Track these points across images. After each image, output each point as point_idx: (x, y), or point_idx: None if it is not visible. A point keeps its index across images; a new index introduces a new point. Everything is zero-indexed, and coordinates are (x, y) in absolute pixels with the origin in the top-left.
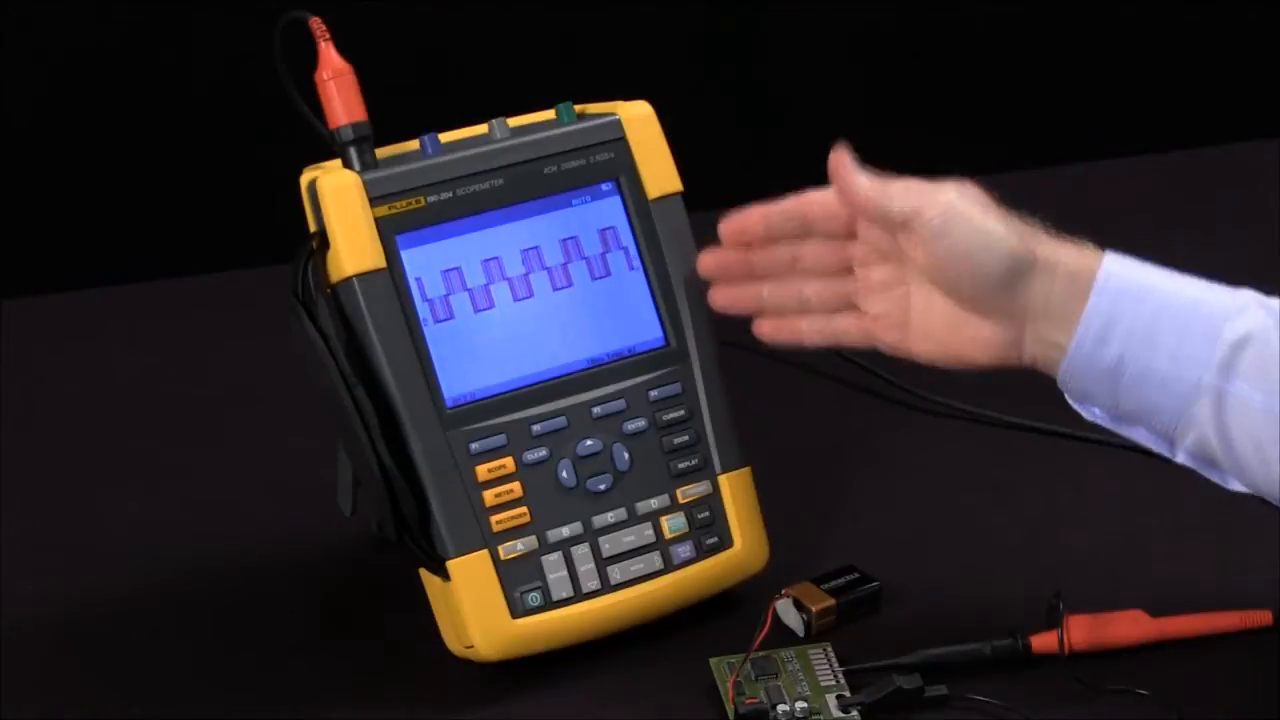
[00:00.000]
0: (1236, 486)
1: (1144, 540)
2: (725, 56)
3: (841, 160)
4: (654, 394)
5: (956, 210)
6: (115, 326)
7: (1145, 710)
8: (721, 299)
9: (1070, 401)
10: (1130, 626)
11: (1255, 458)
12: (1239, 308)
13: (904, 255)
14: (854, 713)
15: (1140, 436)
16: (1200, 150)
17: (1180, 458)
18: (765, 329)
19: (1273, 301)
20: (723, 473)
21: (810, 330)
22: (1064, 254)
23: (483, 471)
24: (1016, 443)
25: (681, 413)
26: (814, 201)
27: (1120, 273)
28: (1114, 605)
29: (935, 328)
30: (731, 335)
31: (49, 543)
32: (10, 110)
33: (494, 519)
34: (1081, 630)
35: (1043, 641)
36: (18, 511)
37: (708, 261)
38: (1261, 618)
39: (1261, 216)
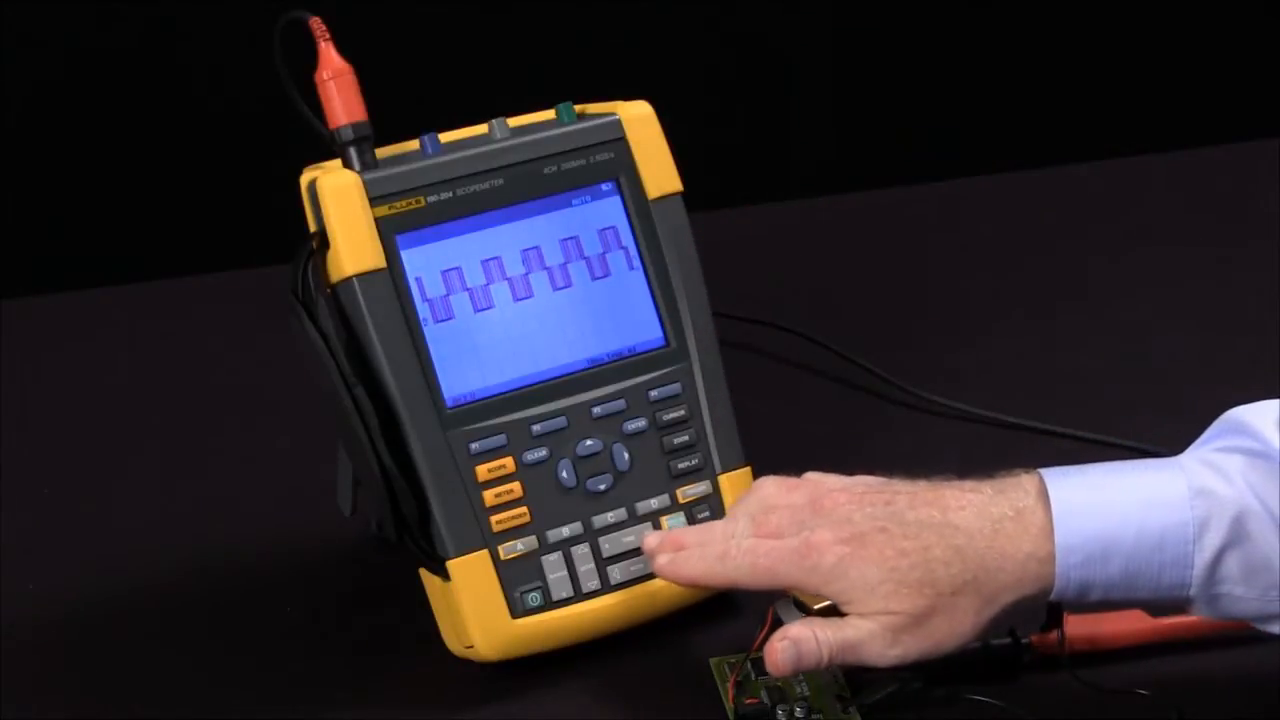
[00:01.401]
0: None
1: None
2: (725, 56)
3: (775, 663)
4: (654, 394)
5: (909, 657)
6: (115, 326)
7: (1145, 710)
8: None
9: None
10: (1130, 626)
11: (1268, 622)
12: (1200, 523)
13: None
14: (854, 713)
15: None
16: (1200, 150)
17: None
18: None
19: (1225, 488)
20: (723, 473)
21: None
22: (1015, 566)
23: (483, 471)
24: (1016, 443)
25: (681, 413)
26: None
27: (1077, 541)
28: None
29: None
30: (731, 335)
31: (49, 543)
32: (10, 110)
33: (494, 519)
34: (1081, 630)
35: (1043, 641)
36: (18, 511)
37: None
38: None
39: (1261, 216)
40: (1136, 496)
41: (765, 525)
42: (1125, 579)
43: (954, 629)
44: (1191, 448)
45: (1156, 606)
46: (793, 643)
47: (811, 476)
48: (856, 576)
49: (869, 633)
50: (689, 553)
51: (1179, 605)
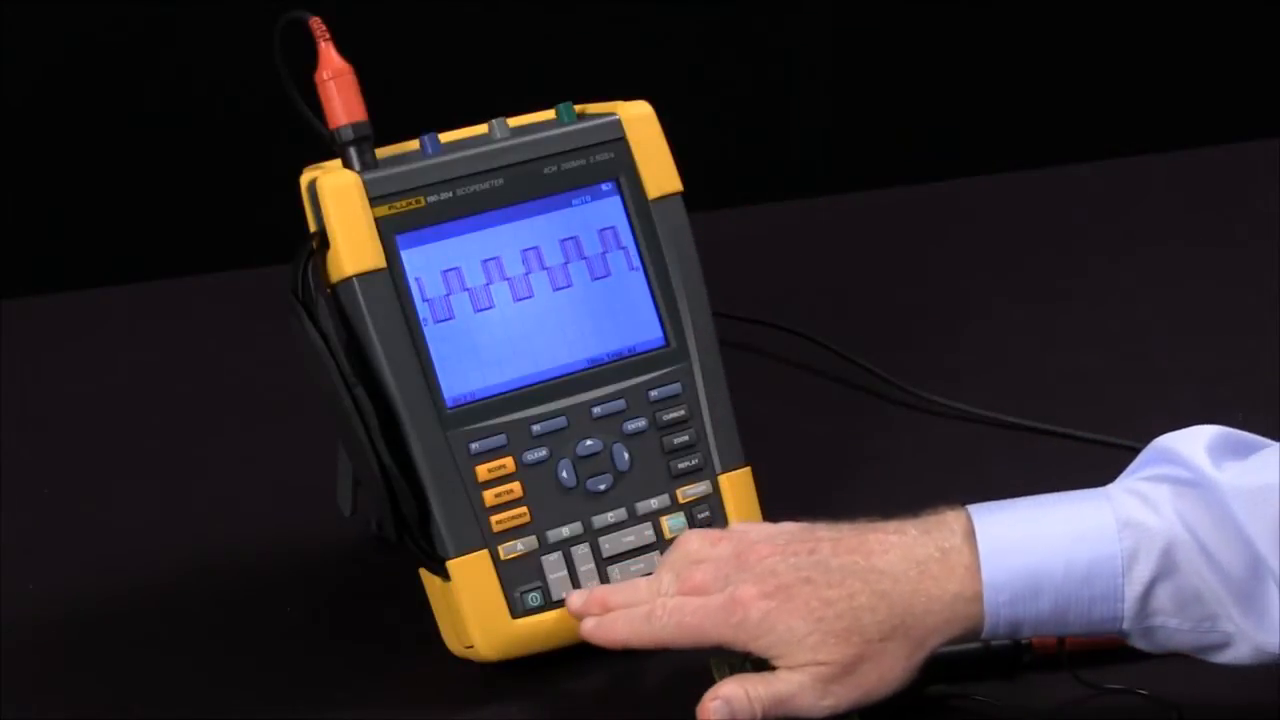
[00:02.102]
0: None
1: None
2: (725, 56)
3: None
4: (654, 394)
5: (842, 706)
6: (115, 326)
7: (1145, 710)
8: None
9: None
10: None
11: (1208, 652)
12: (1129, 555)
13: None
14: (854, 713)
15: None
16: (1200, 150)
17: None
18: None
19: (1150, 518)
20: (723, 473)
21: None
22: (943, 609)
23: (483, 471)
24: (1016, 443)
25: (681, 413)
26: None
27: (1004, 579)
28: None
29: None
30: (731, 335)
31: (49, 543)
32: (10, 110)
33: (494, 519)
34: None
35: (1043, 641)
36: (18, 511)
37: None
38: None
39: (1261, 216)
40: (1064, 530)
41: (690, 580)
42: (1055, 614)
43: (884, 675)
44: (1120, 477)
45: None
46: (725, 702)
47: (737, 528)
48: (784, 630)
49: (799, 685)
50: (615, 615)
51: (1117, 638)
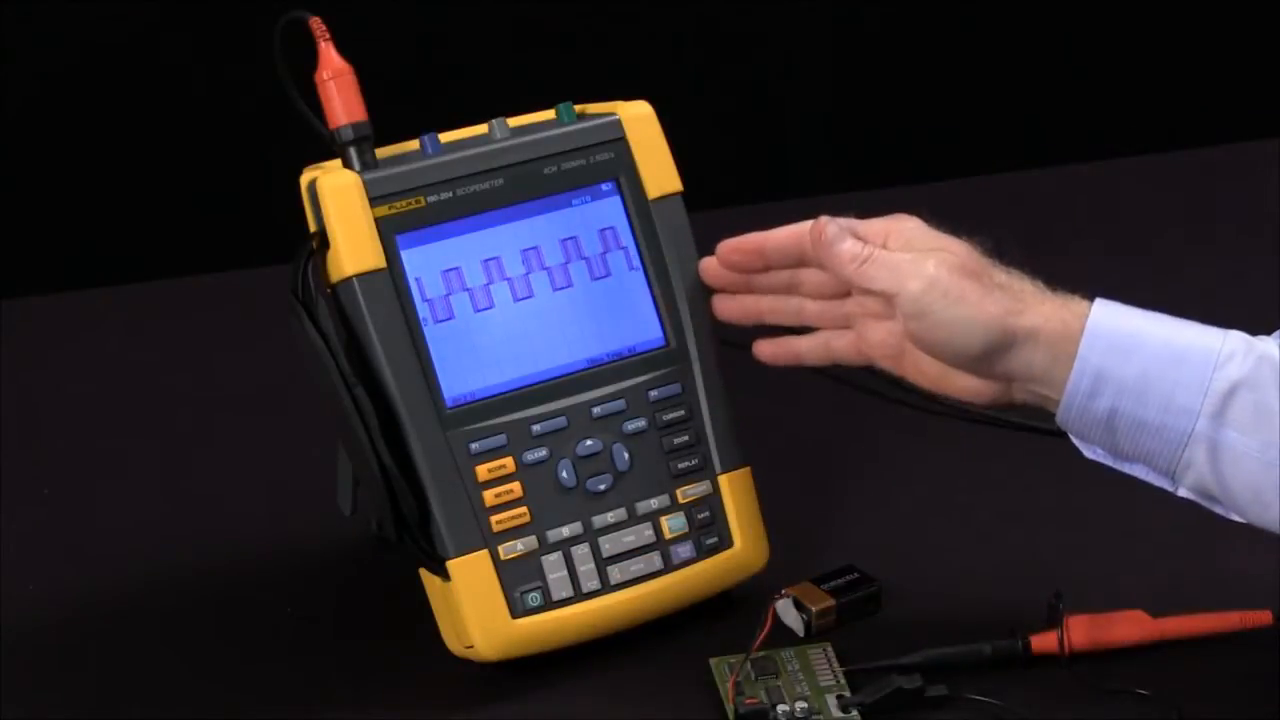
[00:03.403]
0: (1238, 518)
1: (1144, 540)
2: (725, 56)
3: (821, 234)
4: (654, 394)
5: (933, 292)
6: (115, 326)
7: (1145, 710)
8: (723, 309)
9: (1072, 439)
10: (1130, 626)
11: (1252, 501)
12: (1227, 354)
13: None
14: (854, 713)
15: (1141, 474)
16: (1200, 150)
17: (1182, 493)
18: (765, 351)
19: (1261, 344)
20: (723, 473)
21: (809, 350)
22: (1046, 321)
23: (483, 471)
24: (1016, 443)
25: (681, 413)
26: (808, 235)
27: (1107, 328)
28: (1114, 605)
29: (927, 369)
30: (731, 335)
31: (49, 543)
32: (10, 110)
33: (494, 519)
34: (1081, 630)
35: (1043, 641)
36: (18, 511)
37: (710, 271)
38: (1261, 618)
39: (1261, 216)
40: (1175, 324)
41: None
42: (1139, 384)
43: (981, 304)
44: None
45: (1155, 463)
46: (845, 230)
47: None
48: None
49: (913, 258)
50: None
51: (1171, 466)
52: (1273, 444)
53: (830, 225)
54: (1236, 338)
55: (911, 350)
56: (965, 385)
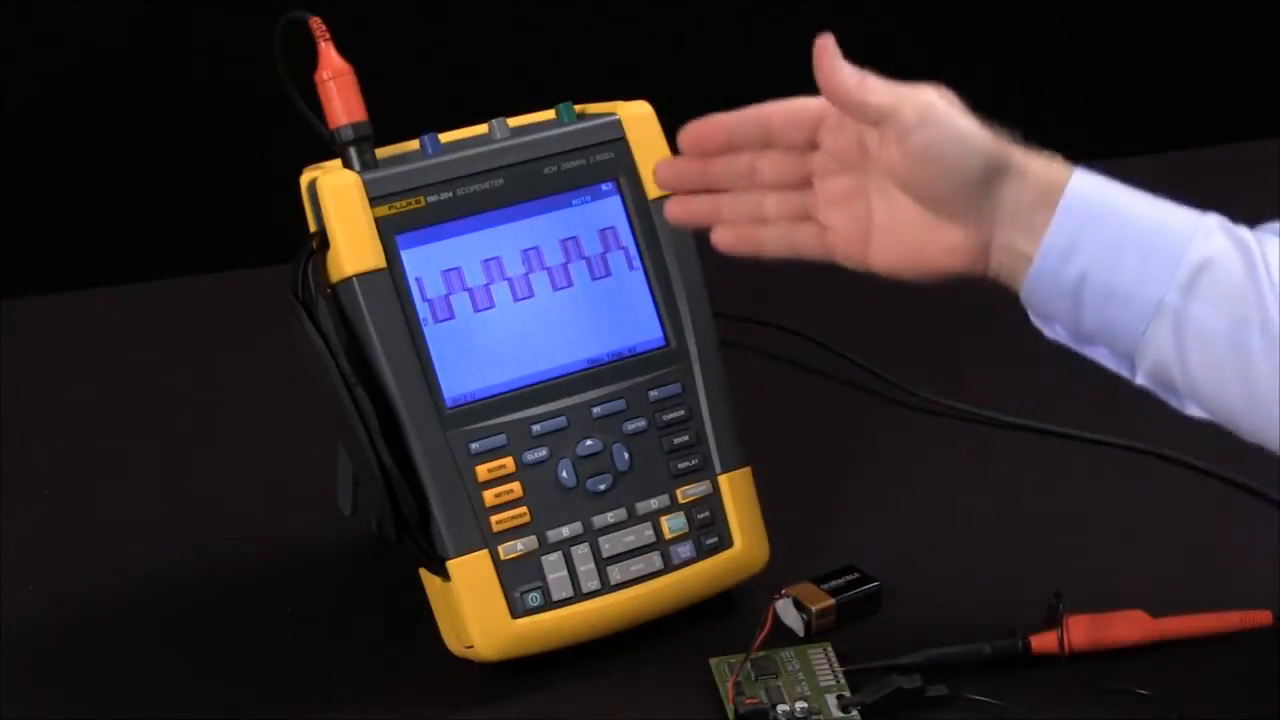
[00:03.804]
0: (1194, 411)
1: (1144, 540)
2: (725, 56)
3: (826, 48)
4: (654, 394)
5: (936, 107)
6: (115, 326)
7: (1145, 710)
8: (679, 211)
9: (1033, 319)
10: (1130, 626)
11: (1211, 382)
12: (1204, 231)
13: (868, 164)
14: (854, 713)
15: (1101, 357)
16: (1200, 150)
17: (1140, 379)
18: (725, 238)
19: (1238, 229)
20: (723, 473)
21: (770, 241)
22: (1035, 163)
23: (483, 471)
24: (1016, 443)
25: (681, 413)
26: (775, 111)
27: (1087, 191)
28: (1114, 605)
29: (899, 236)
30: (731, 335)
31: (49, 543)
32: (10, 110)
33: (494, 519)
34: (1081, 630)
35: (1043, 641)
36: (18, 511)
37: (665, 172)
38: (1261, 618)
39: (1261, 217)
40: (1155, 199)
41: None
42: (1113, 249)
43: (981, 128)
44: None
45: (1117, 341)
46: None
47: None
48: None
49: (910, 86)
50: None
51: (1133, 345)
52: (1240, 321)
53: (833, 44)
54: (1215, 218)
55: (879, 230)
56: (942, 243)
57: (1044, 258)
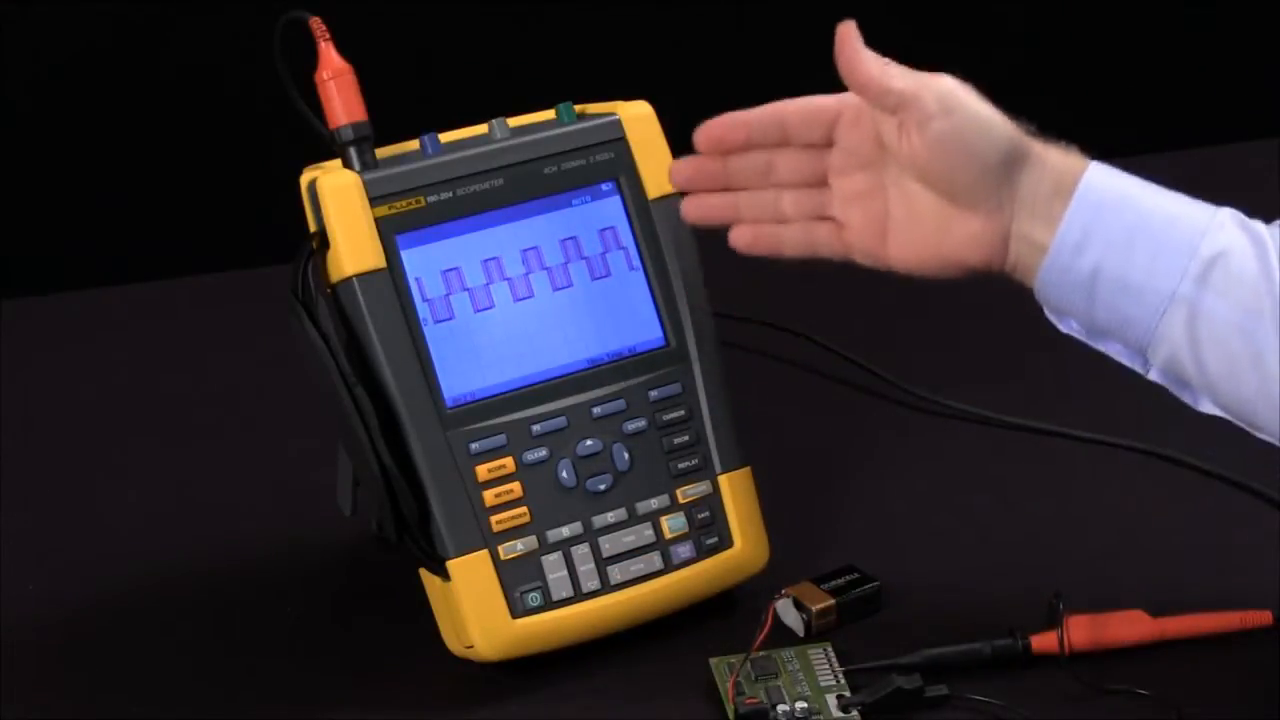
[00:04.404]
0: (1207, 407)
1: (1144, 540)
2: (725, 56)
3: (848, 34)
4: (654, 394)
5: (957, 94)
6: (115, 326)
7: (1145, 710)
8: (695, 210)
9: (1048, 314)
10: (1130, 626)
11: (1225, 375)
12: (1218, 224)
13: (885, 160)
14: (854, 713)
15: (1114, 351)
16: (1200, 150)
17: (1153, 375)
18: (744, 238)
19: (1252, 222)
20: (723, 473)
21: (789, 240)
22: (1053, 153)
23: (483, 471)
24: (1016, 443)
25: (681, 413)
26: (791, 109)
27: (1102, 183)
28: (1114, 605)
29: (917, 230)
30: (731, 335)
31: (49, 543)
32: (10, 110)
33: (494, 519)
34: (1081, 630)
35: (1043, 641)
36: (18, 511)
37: (681, 171)
38: (1261, 618)
39: (1261, 216)
40: (1169, 192)
41: None
42: (1127, 241)
43: (1001, 115)
44: None
45: (1130, 335)
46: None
47: None
48: None
49: (930, 73)
50: None
51: (1147, 339)
52: (1253, 313)
53: (855, 31)
54: (1229, 211)
55: (897, 226)
56: (960, 234)
57: (1058, 250)
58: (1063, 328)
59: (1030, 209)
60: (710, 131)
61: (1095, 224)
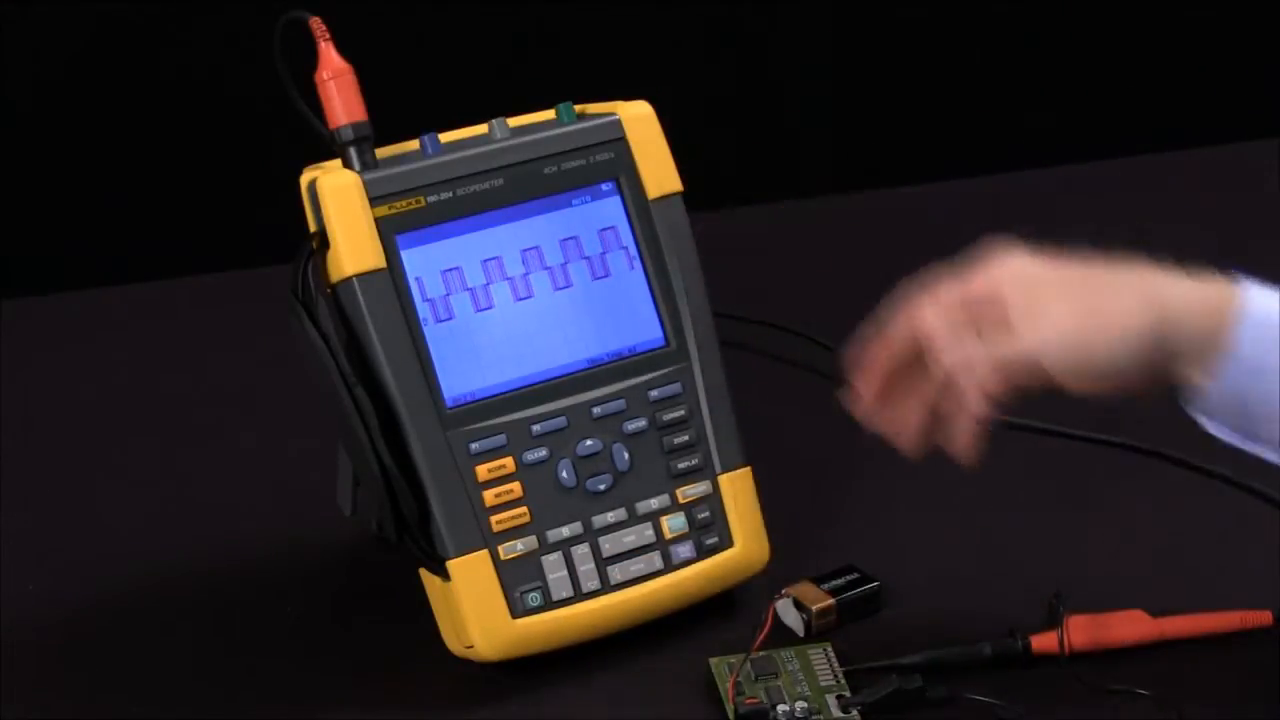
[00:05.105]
0: None
1: (1144, 540)
2: (725, 56)
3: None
4: (654, 394)
5: (1063, 342)
6: (115, 326)
7: (1145, 710)
8: (885, 424)
9: (1197, 418)
10: (1130, 626)
11: None
12: None
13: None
14: (854, 713)
15: (1271, 455)
16: (1200, 150)
17: None
18: (913, 445)
19: None
20: (723, 473)
21: (964, 426)
22: (1193, 305)
23: (483, 471)
24: (1017, 443)
25: (681, 413)
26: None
27: (1260, 313)
28: (1114, 605)
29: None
30: (731, 335)
31: (49, 543)
32: (10, 110)
33: (494, 519)
34: (1081, 630)
35: (1043, 641)
36: (18, 511)
37: (860, 407)
38: (1261, 618)
39: (1262, 216)
40: None
41: None
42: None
43: (1120, 305)
44: None
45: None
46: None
47: None
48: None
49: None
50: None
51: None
52: None
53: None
54: None
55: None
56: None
57: (1214, 387)
58: (1211, 430)
59: (1185, 361)
60: (867, 377)
61: (1258, 359)
